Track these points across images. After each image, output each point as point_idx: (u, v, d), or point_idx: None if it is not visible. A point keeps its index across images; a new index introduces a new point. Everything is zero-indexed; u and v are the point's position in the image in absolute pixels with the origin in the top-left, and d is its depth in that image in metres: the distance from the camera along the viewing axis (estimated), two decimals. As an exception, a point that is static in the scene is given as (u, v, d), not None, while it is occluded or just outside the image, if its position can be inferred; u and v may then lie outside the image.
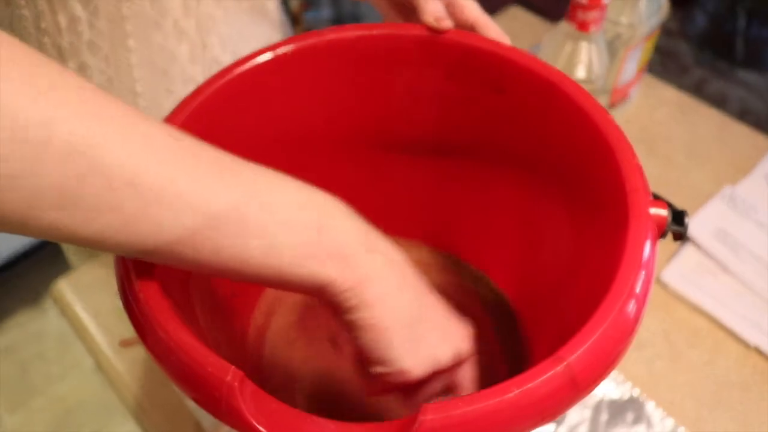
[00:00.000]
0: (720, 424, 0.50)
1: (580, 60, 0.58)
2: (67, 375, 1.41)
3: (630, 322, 0.27)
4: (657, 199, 0.31)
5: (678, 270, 0.59)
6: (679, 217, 0.31)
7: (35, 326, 1.51)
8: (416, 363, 0.30)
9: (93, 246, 0.24)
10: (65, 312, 0.58)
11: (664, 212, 0.31)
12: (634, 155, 0.33)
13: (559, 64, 0.59)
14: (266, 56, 0.40)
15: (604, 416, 0.49)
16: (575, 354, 0.26)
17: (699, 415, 0.50)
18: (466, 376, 0.35)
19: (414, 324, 0.30)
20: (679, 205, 0.63)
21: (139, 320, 0.28)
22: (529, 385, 0.25)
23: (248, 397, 0.25)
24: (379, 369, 0.30)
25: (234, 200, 0.25)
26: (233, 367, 0.26)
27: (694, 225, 0.62)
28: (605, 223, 0.33)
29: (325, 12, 1.77)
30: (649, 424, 0.49)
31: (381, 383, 0.32)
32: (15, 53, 0.21)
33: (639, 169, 0.32)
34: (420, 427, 0.24)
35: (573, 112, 0.36)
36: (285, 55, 0.41)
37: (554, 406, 0.26)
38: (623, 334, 0.27)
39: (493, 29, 0.42)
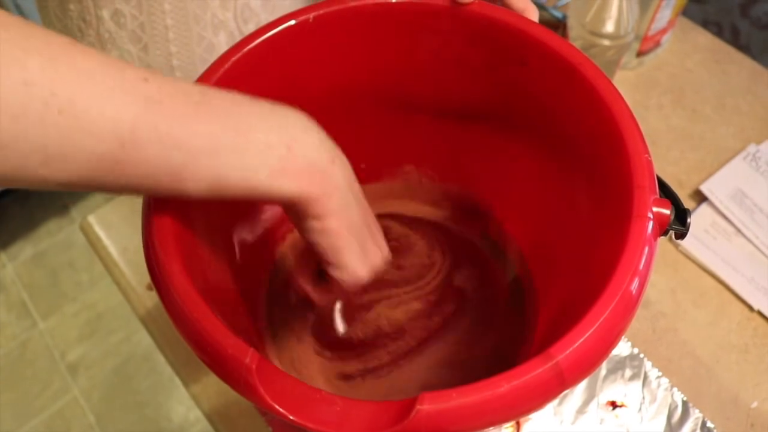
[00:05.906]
0: (714, 384, 0.52)
1: (610, 15, 0.56)
2: (97, 283, 1.48)
3: (620, 325, 0.29)
4: (662, 198, 0.32)
5: (691, 229, 0.59)
6: (682, 215, 0.32)
7: (64, 235, 1.57)
8: (366, 268, 0.35)
9: (77, 189, 0.27)
10: (94, 247, 0.62)
11: (667, 211, 0.32)
12: (645, 150, 0.33)
13: (589, 18, 0.58)
14: (289, 23, 0.41)
15: (602, 371, 0.52)
16: (564, 353, 0.28)
17: (695, 374, 0.53)
18: None
19: (361, 232, 0.34)
20: (700, 161, 0.63)
21: (170, 304, 0.30)
22: (520, 380, 0.27)
23: (265, 378, 0.28)
24: (336, 272, 0.34)
25: (210, 132, 0.27)
26: (251, 349, 0.28)
27: (712, 184, 0.62)
28: (613, 214, 0.34)
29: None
30: (645, 382, 0.51)
31: (334, 289, 0.36)
32: None
33: (648, 166, 0.33)
34: (417, 415, 0.27)
35: (590, 97, 0.36)
36: (307, 21, 0.41)
37: (541, 399, 0.28)
38: (613, 335, 0.29)
39: (521, 0, 0.41)
